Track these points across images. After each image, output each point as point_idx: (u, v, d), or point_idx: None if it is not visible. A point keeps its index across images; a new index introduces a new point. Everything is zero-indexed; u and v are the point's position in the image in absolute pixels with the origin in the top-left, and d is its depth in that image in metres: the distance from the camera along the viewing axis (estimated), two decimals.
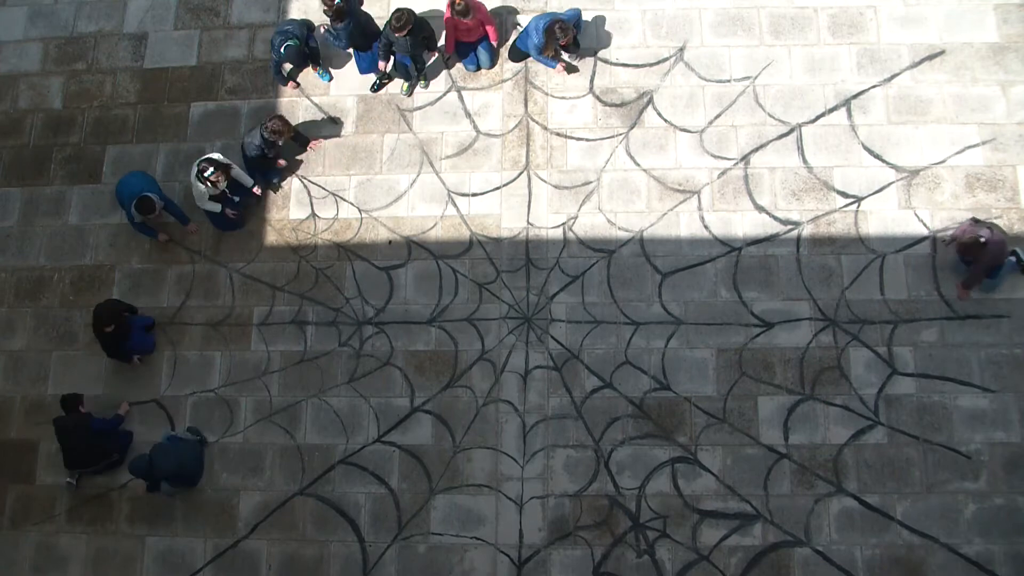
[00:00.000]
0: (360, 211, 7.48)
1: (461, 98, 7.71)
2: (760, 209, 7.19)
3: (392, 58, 7.34)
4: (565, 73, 7.52)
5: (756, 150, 7.32)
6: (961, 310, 6.84)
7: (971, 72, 7.37)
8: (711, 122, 7.41)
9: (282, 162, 7.45)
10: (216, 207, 7.13)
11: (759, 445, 6.70)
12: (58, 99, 8.09)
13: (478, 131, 7.60)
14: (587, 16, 7.72)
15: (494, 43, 7.55)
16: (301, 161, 7.62)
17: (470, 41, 7.44)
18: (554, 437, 6.83)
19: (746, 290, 7.03)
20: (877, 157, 7.22)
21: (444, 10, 7.30)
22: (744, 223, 7.17)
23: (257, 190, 7.34)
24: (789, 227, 7.12)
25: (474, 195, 7.44)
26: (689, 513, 6.58)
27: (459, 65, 7.72)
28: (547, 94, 7.63)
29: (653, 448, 6.75)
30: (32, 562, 6.91)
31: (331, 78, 7.82)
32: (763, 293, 7.01)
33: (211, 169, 6.86)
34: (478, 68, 7.65)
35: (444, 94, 7.72)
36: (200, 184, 6.94)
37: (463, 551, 6.66)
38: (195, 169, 6.95)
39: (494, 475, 6.80)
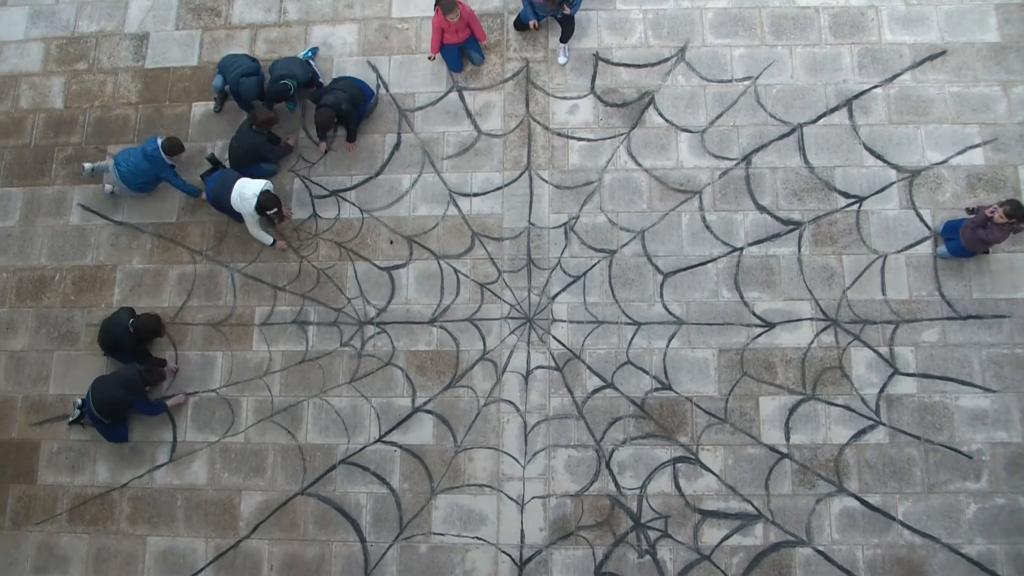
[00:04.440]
0: (361, 211, 7.48)
1: (462, 98, 7.72)
2: (761, 209, 7.19)
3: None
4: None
5: (757, 150, 7.32)
6: (962, 310, 6.84)
7: (972, 72, 7.37)
8: (712, 122, 7.41)
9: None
10: (268, 240, 7.21)
11: (760, 445, 6.70)
12: (59, 99, 8.09)
13: (479, 131, 7.60)
14: (588, 16, 7.73)
15: (482, 41, 7.58)
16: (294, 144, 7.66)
17: (456, 43, 7.46)
18: (555, 437, 6.84)
19: (747, 290, 7.03)
20: (878, 157, 7.22)
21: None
22: (745, 223, 7.17)
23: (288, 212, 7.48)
24: (790, 227, 7.13)
25: (475, 195, 7.44)
26: (690, 513, 6.59)
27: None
28: (548, 94, 7.63)
29: (654, 448, 6.75)
30: (34, 562, 6.92)
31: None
32: (764, 293, 7.01)
33: (276, 209, 6.94)
34: (460, 70, 7.70)
35: (445, 94, 7.72)
36: (257, 213, 6.95)
37: (464, 551, 6.67)
38: (256, 201, 6.88)
39: (495, 475, 6.80)
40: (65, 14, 8.35)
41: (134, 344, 6.91)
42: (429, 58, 7.62)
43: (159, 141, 7.13)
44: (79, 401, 7.06)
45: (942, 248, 6.87)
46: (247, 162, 7.26)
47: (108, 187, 7.53)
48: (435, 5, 7.22)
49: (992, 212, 6.31)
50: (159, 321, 6.95)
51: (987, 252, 6.76)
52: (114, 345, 6.97)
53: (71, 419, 7.08)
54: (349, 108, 7.22)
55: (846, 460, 6.62)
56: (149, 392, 6.82)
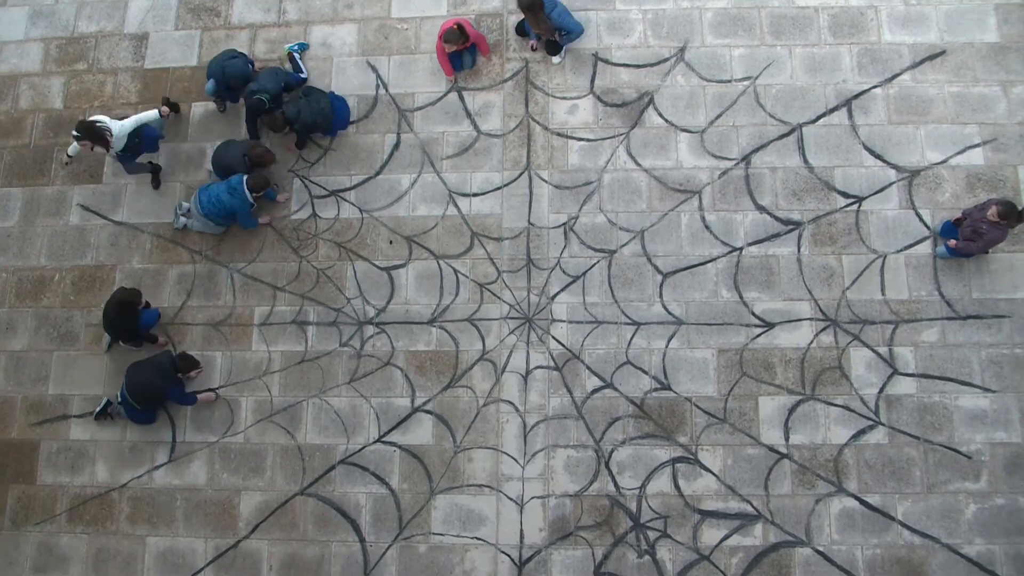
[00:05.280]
0: (361, 211, 7.48)
1: (462, 98, 7.72)
2: (761, 209, 7.19)
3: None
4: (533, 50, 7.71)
5: (757, 150, 7.32)
6: (962, 310, 6.84)
7: (972, 72, 7.37)
8: (712, 122, 7.41)
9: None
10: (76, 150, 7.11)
11: (760, 445, 6.70)
12: (59, 99, 8.09)
13: (479, 131, 7.60)
14: (587, 16, 7.73)
15: (486, 56, 7.62)
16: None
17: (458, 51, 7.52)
18: (555, 437, 6.84)
19: (747, 290, 7.03)
20: (878, 157, 7.22)
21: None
22: (745, 223, 7.17)
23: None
24: (790, 227, 7.13)
25: (475, 195, 7.44)
26: (690, 513, 6.59)
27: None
28: (548, 94, 7.63)
29: (654, 448, 6.75)
30: (33, 562, 6.93)
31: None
32: (764, 293, 7.01)
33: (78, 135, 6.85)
34: (462, 69, 7.71)
35: (445, 94, 7.72)
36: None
37: (464, 551, 6.67)
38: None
39: (495, 475, 6.80)
40: (65, 14, 8.35)
41: (125, 318, 6.89)
42: (453, 80, 7.65)
43: (244, 177, 7.02)
44: (119, 396, 7.04)
45: (941, 248, 6.87)
46: (228, 173, 7.23)
47: (182, 220, 7.44)
48: (439, 37, 7.25)
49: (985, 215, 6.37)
50: (127, 294, 6.88)
51: (986, 252, 6.76)
52: (117, 325, 6.95)
53: (96, 412, 7.06)
54: (301, 129, 7.27)
55: (845, 460, 6.62)
56: (182, 379, 6.85)
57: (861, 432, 6.66)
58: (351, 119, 7.68)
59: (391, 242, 7.40)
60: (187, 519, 6.91)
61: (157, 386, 6.68)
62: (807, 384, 6.79)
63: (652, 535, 6.57)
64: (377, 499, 6.82)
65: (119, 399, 6.93)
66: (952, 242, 6.67)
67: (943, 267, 6.92)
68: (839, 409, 6.72)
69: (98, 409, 7.09)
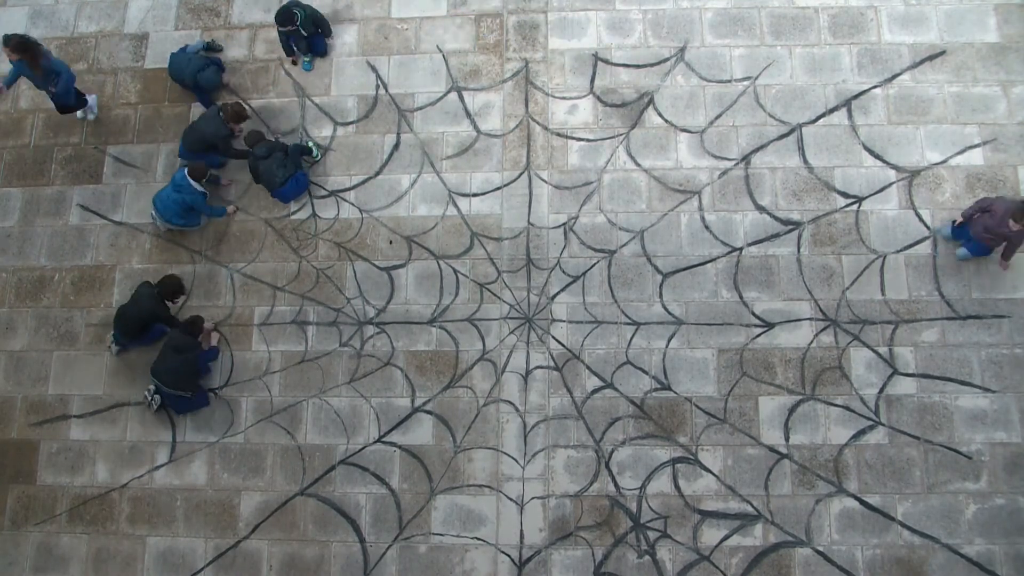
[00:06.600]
0: (361, 211, 7.48)
1: (461, 98, 7.72)
2: (761, 209, 7.19)
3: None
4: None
5: (757, 150, 7.32)
6: (962, 310, 6.85)
7: (972, 72, 7.37)
8: (712, 122, 7.41)
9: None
10: None
11: (760, 445, 6.70)
12: None
13: (479, 131, 7.60)
14: (587, 16, 7.74)
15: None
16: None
17: None
18: (555, 437, 6.84)
19: (747, 290, 7.03)
20: (878, 157, 7.23)
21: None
22: (745, 223, 7.17)
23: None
24: (790, 227, 7.13)
25: (475, 195, 7.44)
26: (690, 513, 6.59)
27: (459, 64, 7.72)
28: (548, 94, 7.63)
29: (654, 448, 6.75)
30: (33, 562, 6.93)
31: (311, 68, 7.88)
32: (764, 293, 7.01)
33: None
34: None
35: (445, 94, 7.72)
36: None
37: (464, 551, 6.67)
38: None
39: (495, 475, 6.80)
40: (64, 14, 8.35)
41: (163, 308, 6.90)
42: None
43: (184, 170, 7.06)
44: (152, 390, 7.01)
45: (962, 250, 6.80)
46: (200, 147, 7.29)
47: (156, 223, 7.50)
48: None
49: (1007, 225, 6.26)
50: (180, 280, 6.99)
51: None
52: (139, 322, 6.91)
53: (155, 407, 7.03)
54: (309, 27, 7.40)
55: (845, 460, 6.62)
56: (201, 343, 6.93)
57: (861, 432, 6.66)
58: (352, 118, 7.67)
59: (391, 242, 7.40)
60: (187, 519, 6.91)
61: (193, 361, 6.69)
62: (807, 384, 6.80)
63: (652, 535, 6.57)
64: (377, 499, 6.82)
65: (153, 396, 6.91)
66: (958, 220, 6.60)
67: (943, 267, 6.93)
68: (839, 409, 6.72)
69: (155, 406, 7.02)
